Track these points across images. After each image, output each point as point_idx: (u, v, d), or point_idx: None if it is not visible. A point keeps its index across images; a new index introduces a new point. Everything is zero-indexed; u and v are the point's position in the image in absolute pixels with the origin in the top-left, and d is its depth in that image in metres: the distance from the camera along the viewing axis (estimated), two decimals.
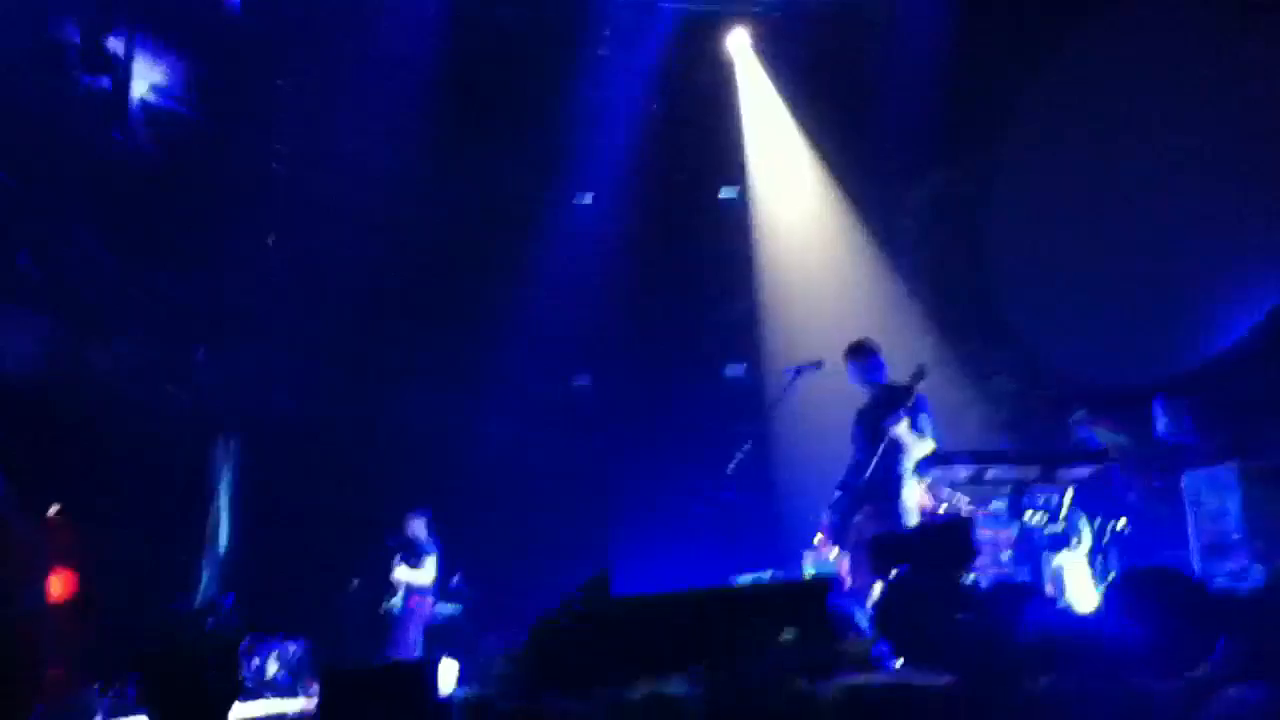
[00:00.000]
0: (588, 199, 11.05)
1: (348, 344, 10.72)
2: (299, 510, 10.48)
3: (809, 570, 7.52)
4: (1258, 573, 6.05)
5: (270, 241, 10.49)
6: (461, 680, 6.54)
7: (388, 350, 10.83)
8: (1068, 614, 5.00)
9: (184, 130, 9.87)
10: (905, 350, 8.71)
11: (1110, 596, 4.46)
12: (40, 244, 9.41)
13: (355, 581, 9.97)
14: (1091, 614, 5.21)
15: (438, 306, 10.75)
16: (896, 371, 6.59)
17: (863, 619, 5.45)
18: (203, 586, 10.32)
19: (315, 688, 7.65)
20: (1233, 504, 6.74)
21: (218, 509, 10.72)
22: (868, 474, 6.26)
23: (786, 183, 11.01)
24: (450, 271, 10.73)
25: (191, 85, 9.87)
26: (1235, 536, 6.55)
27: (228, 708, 5.61)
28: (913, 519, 6.22)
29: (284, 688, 8.68)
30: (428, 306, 10.68)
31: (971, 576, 5.30)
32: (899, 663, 4.49)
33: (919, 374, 6.31)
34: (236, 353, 10.68)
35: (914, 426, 6.25)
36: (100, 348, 10.05)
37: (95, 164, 9.40)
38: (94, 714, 7.34)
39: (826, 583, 5.64)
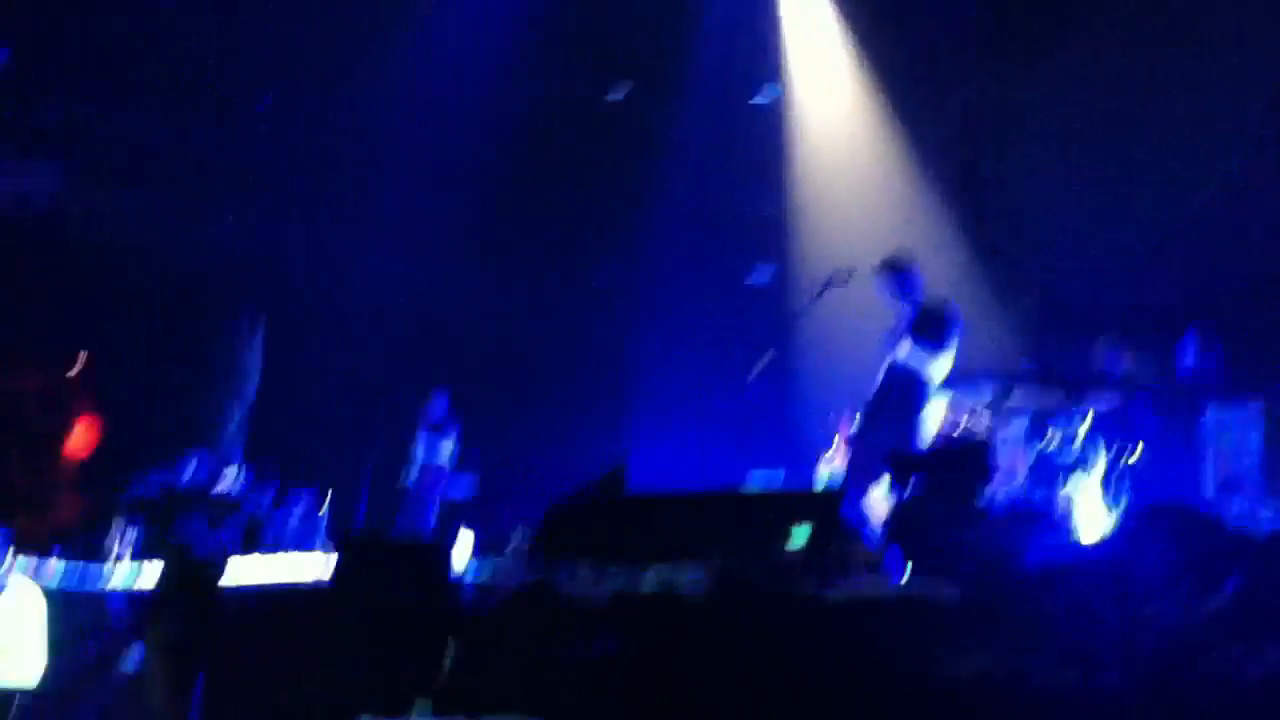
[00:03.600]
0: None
1: (378, 214, 10.69)
2: (320, 379, 10.63)
3: (823, 476, 7.59)
4: (1272, 513, 6.07)
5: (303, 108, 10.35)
6: (476, 552, 6.69)
7: (420, 222, 10.77)
8: (1076, 539, 5.05)
9: None
10: (935, 265, 8.66)
11: (1123, 526, 4.48)
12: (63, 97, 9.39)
13: (375, 450, 10.13)
14: (1101, 541, 5.27)
15: (477, 185, 10.66)
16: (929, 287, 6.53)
17: (871, 531, 5.53)
18: (225, 439, 10.53)
19: (330, 546, 7.86)
20: (1252, 441, 6.73)
21: (244, 364, 10.87)
22: (889, 390, 6.26)
23: (824, 85, 10.75)
24: (489, 151, 10.60)
25: None
26: (1252, 475, 6.55)
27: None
28: (930, 437, 6.23)
29: (303, 544, 8.86)
30: (465, 181, 10.59)
31: (985, 497, 5.36)
32: (906, 575, 4.57)
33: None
34: (267, 215, 10.67)
35: (942, 344, 6.21)
36: (129, 198, 10.08)
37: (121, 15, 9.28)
38: (110, 552, 7.56)
39: (840, 493, 5.71)
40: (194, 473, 8.62)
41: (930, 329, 6.23)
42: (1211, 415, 6.97)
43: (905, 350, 6.24)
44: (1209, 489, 6.84)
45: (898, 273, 6.44)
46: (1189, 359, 7.59)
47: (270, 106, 10.30)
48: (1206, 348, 7.61)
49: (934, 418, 6.28)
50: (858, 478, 6.28)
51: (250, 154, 10.49)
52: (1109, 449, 7.08)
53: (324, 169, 10.54)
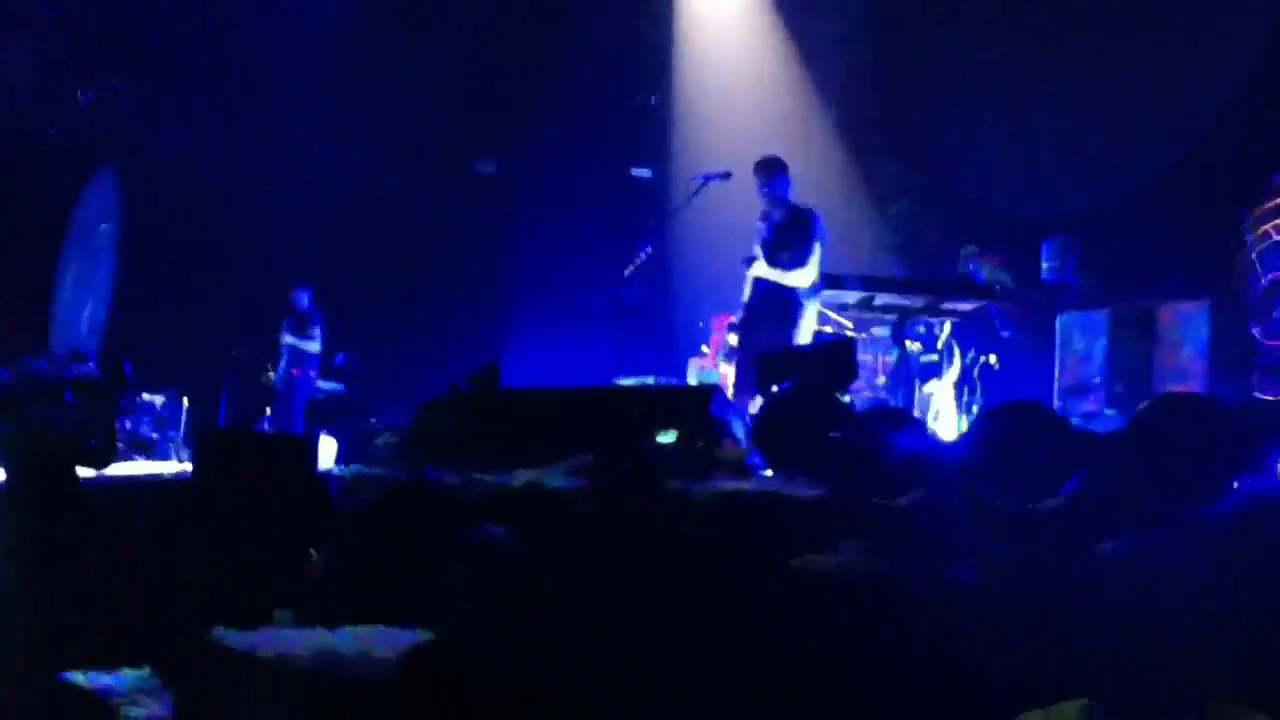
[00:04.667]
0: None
1: (246, 90, 10.15)
2: (181, 265, 10.17)
3: (693, 378, 7.68)
4: (1112, 416, 6.42)
5: None
6: (340, 459, 6.57)
7: (288, 102, 10.25)
8: (934, 439, 5.23)
9: None
10: (814, 164, 8.72)
11: (975, 425, 4.67)
12: None
13: (238, 346, 9.79)
14: (955, 440, 5.49)
15: (353, 68, 10.19)
16: (798, 190, 6.58)
17: (739, 429, 5.62)
18: (79, 331, 10.03)
19: (189, 452, 7.59)
20: (1099, 348, 7.07)
21: (95, 249, 10.30)
22: (761, 303, 6.33)
23: None
24: (367, 31, 10.11)
25: None
26: (1097, 380, 6.89)
27: (99, 462, 5.51)
28: (804, 339, 6.34)
29: (158, 449, 8.56)
30: (340, 66, 10.10)
31: (848, 397, 5.50)
32: (771, 472, 4.67)
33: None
34: (125, 88, 10.04)
35: (805, 254, 6.28)
36: None
37: None
38: None
39: (709, 390, 5.78)
40: (46, 364, 8.20)
41: (793, 238, 6.29)
42: (1062, 321, 7.27)
43: (766, 265, 6.31)
44: (1058, 392, 7.18)
45: (767, 174, 6.45)
46: (1048, 268, 7.88)
47: None
48: (1064, 258, 7.92)
49: (808, 324, 6.38)
50: (739, 382, 6.37)
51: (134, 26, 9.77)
52: (967, 352, 7.35)
53: (201, 47, 9.92)
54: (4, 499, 4.66)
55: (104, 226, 10.28)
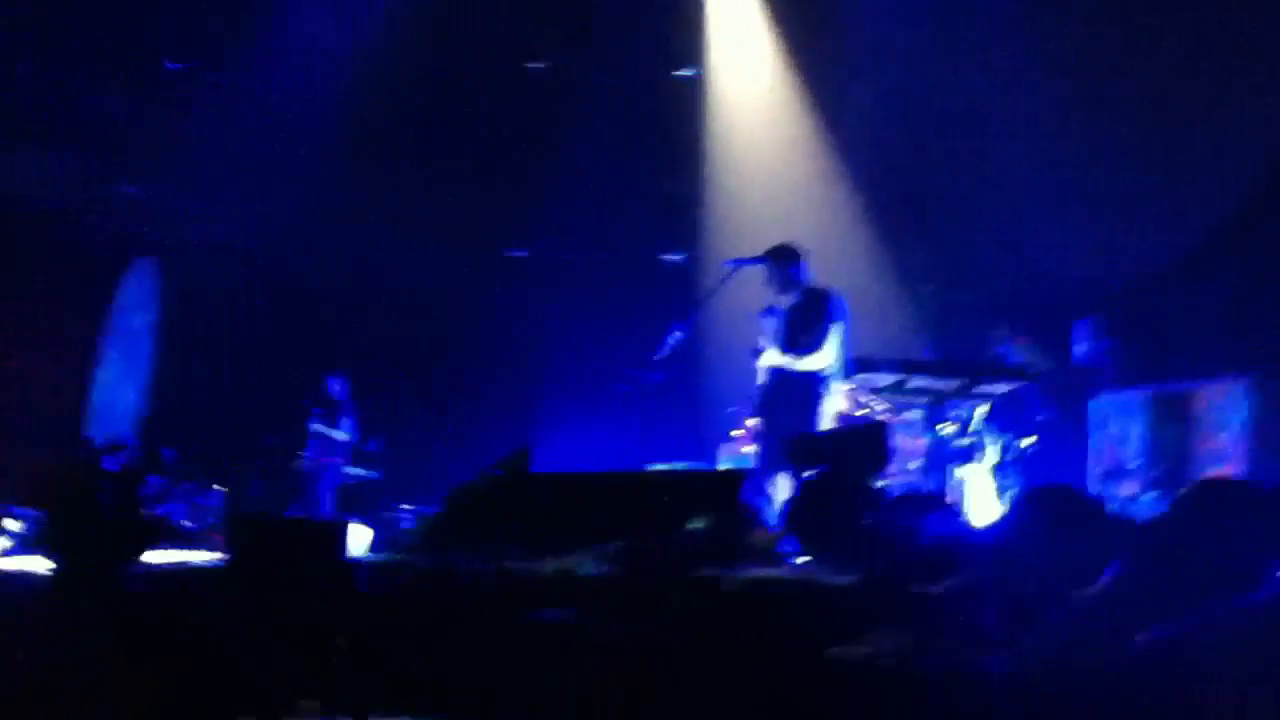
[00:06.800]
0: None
1: (277, 181, 10.38)
2: (216, 355, 10.31)
3: (724, 464, 7.64)
4: (1151, 500, 6.29)
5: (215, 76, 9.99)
6: (373, 548, 6.57)
7: (318, 192, 10.46)
8: (968, 525, 5.16)
9: None
10: (845, 247, 8.77)
11: (1011, 510, 4.60)
12: None
13: (271, 435, 9.89)
14: (991, 526, 5.40)
15: (384, 155, 10.40)
16: (827, 272, 6.61)
17: (771, 514, 5.57)
18: (117, 421, 10.16)
19: (221, 541, 7.58)
20: (1136, 430, 6.96)
21: (133, 339, 10.49)
22: (779, 389, 6.32)
23: (743, 64, 10.78)
24: (399, 117, 10.34)
25: None
26: (1134, 463, 6.77)
27: (136, 552, 5.52)
28: (829, 421, 6.31)
29: (192, 538, 8.59)
30: (373, 150, 10.32)
31: (883, 482, 5.45)
32: (803, 559, 4.61)
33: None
34: (169, 181, 10.30)
35: (819, 339, 6.28)
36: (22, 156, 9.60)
37: None
38: None
39: (741, 474, 5.75)
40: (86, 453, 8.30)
41: (810, 319, 6.29)
42: (1097, 402, 7.19)
43: (778, 353, 6.31)
44: (1095, 476, 7.06)
45: (784, 262, 6.48)
46: (1081, 349, 7.81)
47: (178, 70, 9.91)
48: (1098, 338, 7.86)
49: (831, 409, 6.35)
50: (762, 465, 6.34)
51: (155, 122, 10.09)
52: (1002, 436, 7.26)
53: (225, 140, 10.19)
54: (49, 591, 4.69)
55: (142, 317, 10.49)
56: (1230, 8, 7.72)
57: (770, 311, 6.48)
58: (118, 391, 10.45)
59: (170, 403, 10.18)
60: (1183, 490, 3.89)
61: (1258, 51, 7.46)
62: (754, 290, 7.03)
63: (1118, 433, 7.03)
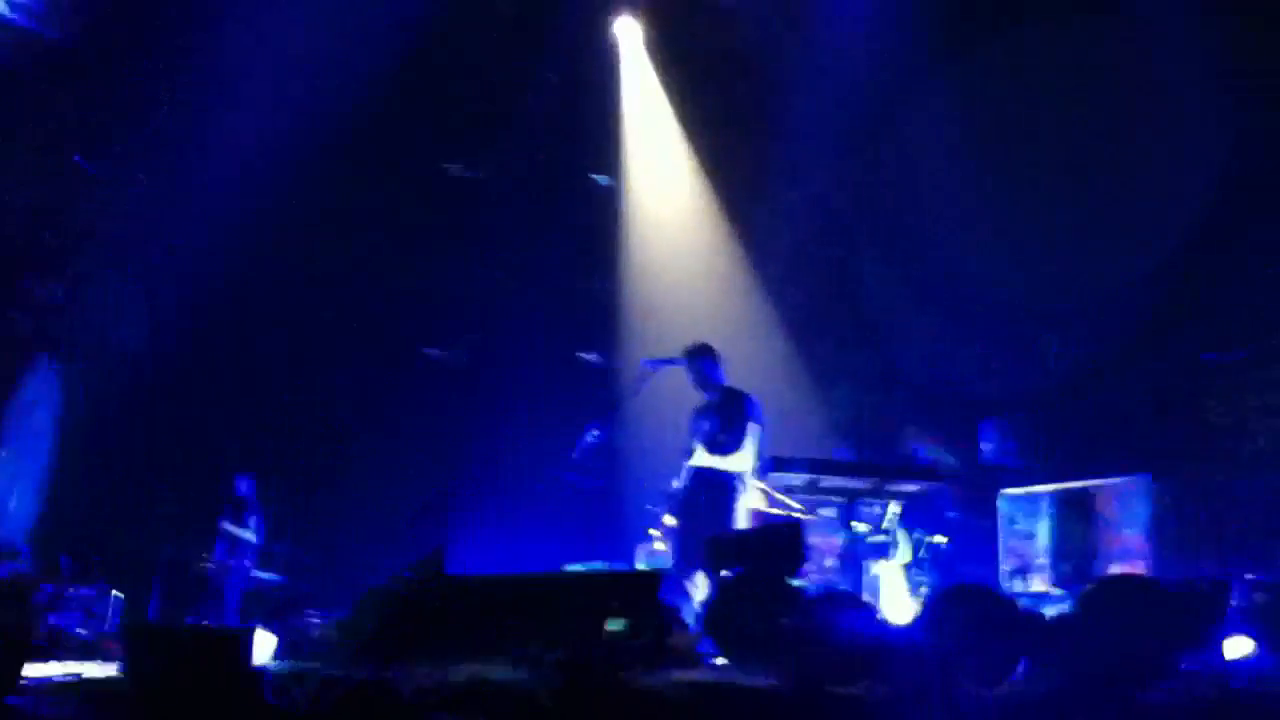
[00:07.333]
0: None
1: (201, 287, 10.22)
2: (120, 455, 9.98)
3: (641, 564, 7.60)
4: (1059, 596, 6.42)
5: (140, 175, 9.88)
6: (278, 654, 6.32)
7: (243, 297, 10.32)
8: (885, 623, 5.19)
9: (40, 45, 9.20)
10: (758, 350, 8.91)
11: (926, 609, 4.66)
12: None
13: (172, 537, 9.55)
14: (907, 625, 5.44)
15: (296, 259, 10.34)
16: (742, 375, 6.71)
17: (689, 614, 5.54)
18: (8, 522, 9.73)
19: (117, 649, 7.23)
20: (1042, 528, 7.12)
21: (29, 436, 10.11)
22: (698, 492, 6.37)
23: (661, 174, 11.05)
24: (315, 229, 10.31)
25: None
26: (1041, 560, 6.92)
27: (18, 665, 5.24)
28: (744, 520, 6.34)
29: (86, 647, 8.18)
30: (287, 257, 10.24)
31: (799, 581, 5.46)
32: (723, 660, 4.58)
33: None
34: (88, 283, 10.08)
35: (738, 440, 6.36)
36: None
37: None
38: None
39: (658, 575, 5.71)
40: None
41: (728, 419, 6.38)
42: (1004, 500, 7.36)
43: (702, 452, 6.38)
44: (1004, 573, 7.19)
45: (698, 360, 6.58)
46: (988, 447, 8.02)
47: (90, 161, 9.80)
48: (1004, 438, 8.09)
49: (745, 506, 6.40)
50: (679, 564, 6.32)
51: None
52: (914, 533, 7.37)
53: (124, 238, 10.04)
54: None
55: (41, 416, 10.14)
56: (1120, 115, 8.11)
57: (699, 411, 6.56)
58: (10, 494, 10.03)
59: (67, 505, 9.78)
60: (1089, 587, 3.99)
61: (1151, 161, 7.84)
62: (671, 390, 7.10)
63: (1024, 530, 7.19)
